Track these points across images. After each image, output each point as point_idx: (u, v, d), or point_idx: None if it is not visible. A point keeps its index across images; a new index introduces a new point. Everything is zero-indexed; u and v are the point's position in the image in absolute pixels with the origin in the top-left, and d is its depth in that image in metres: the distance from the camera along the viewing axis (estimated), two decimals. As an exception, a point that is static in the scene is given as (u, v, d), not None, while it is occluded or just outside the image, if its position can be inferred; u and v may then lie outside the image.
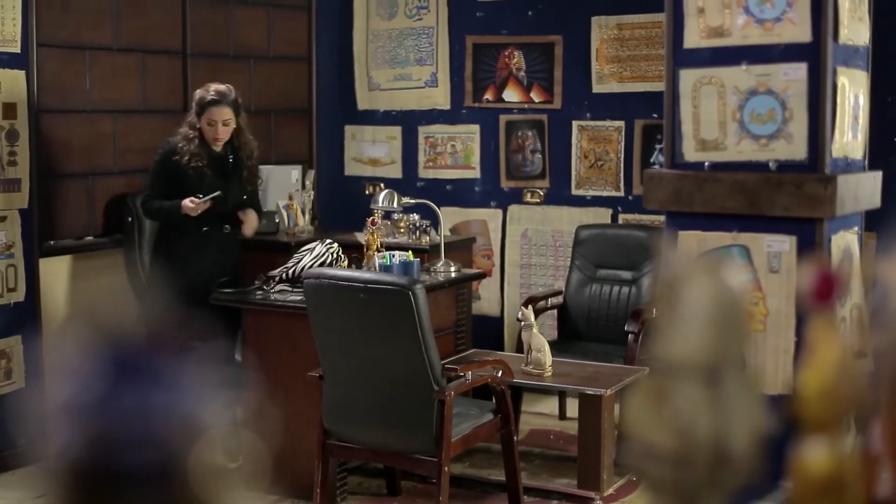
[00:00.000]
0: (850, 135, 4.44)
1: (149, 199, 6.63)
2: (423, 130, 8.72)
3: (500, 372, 5.66)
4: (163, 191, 6.53)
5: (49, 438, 0.89)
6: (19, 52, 6.35)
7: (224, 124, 6.50)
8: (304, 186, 8.35)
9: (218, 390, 0.90)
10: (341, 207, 8.89)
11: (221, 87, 6.55)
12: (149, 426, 0.85)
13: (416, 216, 7.68)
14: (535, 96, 8.26)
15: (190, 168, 6.45)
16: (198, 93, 6.55)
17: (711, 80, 4.43)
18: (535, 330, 6.19)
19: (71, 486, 0.86)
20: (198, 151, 6.47)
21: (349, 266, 6.33)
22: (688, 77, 4.47)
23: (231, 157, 6.65)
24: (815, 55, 4.25)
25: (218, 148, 6.59)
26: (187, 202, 6.38)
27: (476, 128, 8.50)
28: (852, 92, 4.44)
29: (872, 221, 4.77)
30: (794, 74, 4.28)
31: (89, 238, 7.16)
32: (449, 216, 8.30)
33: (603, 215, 8.03)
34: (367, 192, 8.72)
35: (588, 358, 6.64)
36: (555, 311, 7.59)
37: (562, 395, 7.40)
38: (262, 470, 1.00)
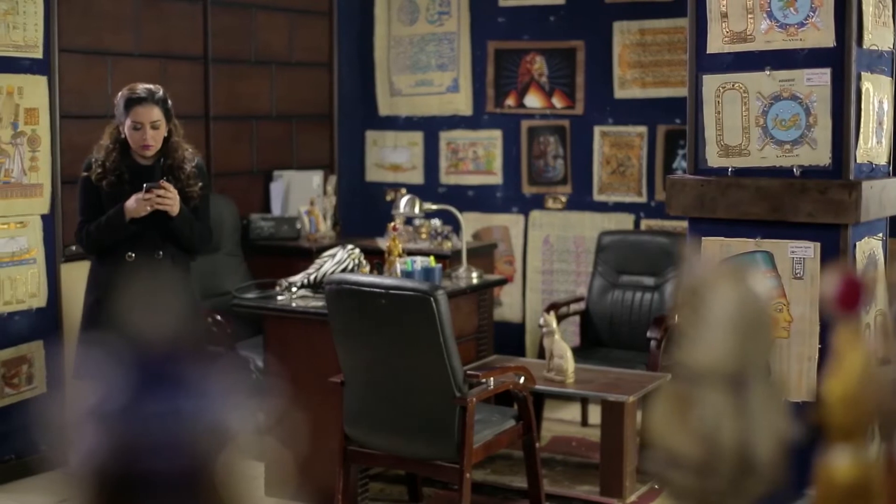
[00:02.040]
0: (874, 140, 4.42)
1: (81, 224, 5.54)
2: (444, 136, 8.71)
3: (522, 378, 5.65)
4: (95, 214, 5.49)
5: (70, 443, 0.89)
6: (41, 57, 6.37)
7: (153, 127, 5.45)
8: (325, 192, 8.36)
9: (242, 397, 0.90)
10: (363, 213, 8.89)
11: (148, 85, 5.58)
12: (173, 432, 0.85)
13: (437, 222, 7.68)
14: (557, 102, 8.25)
15: (106, 186, 5.45)
16: (119, 94, 5.55)
17: (734, 85, 4.41)
18: (557, 336, 6.17)
19: (95, 492, 0.85)
20: (115, 166, 5.45)
21: (371, 272, 6.33)
22: (711, 82, 4.46)
23: (161, 168, 5.54)
24: (838, 60, 4.23)
25: (147, 160, 5.54)
26: (131, 201, 5.38)
27: (498, 133, 8.49)
28: (876, 97, 4.41)
29: (897, 227, 4.75)
30: (818, 80, 4.27)
31: (111, 243, 7.18)
32: (470, 222, 8.30)
33: (625, 221, 8.01)
34: (388, 198, 8.72)
35: (610, 364, 6.62)
36: (577, 318, 7.58)
37: (584, 402, 7.38)
38: (285, 476, 0.99)
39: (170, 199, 5.37)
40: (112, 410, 0.86)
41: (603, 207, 8.11)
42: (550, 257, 8.30)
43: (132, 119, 5.43)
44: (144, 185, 5.34)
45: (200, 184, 5.60)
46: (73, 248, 6.81)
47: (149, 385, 0.87)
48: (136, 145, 5.46)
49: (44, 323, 6.46)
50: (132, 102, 5.45)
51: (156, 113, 5.47)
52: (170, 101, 5.57)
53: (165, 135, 5.52)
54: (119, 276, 5.23)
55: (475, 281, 6.77)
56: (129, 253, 5.45)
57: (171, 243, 5.52)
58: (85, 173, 5.52)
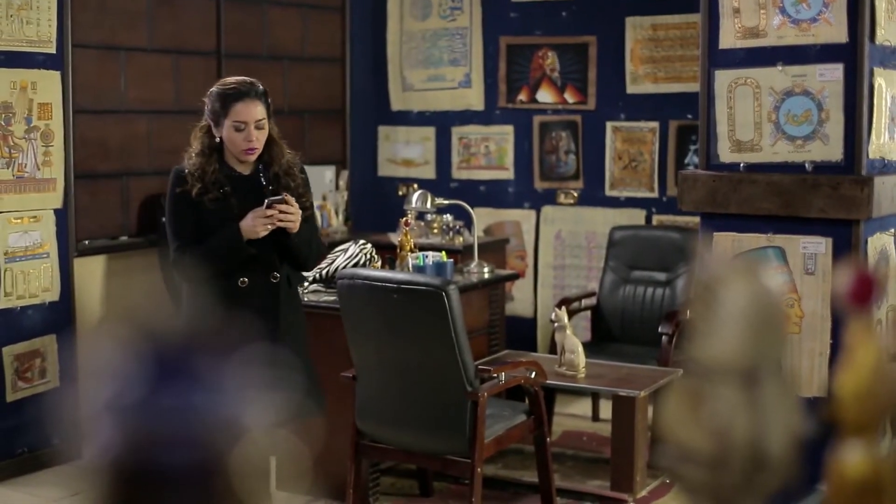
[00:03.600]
0: (886, 136, 4.41)
1: (181, 248, 4.71)
2: (456, 131, 8.71)
3: (534, 373, 5.65)
4: (192, 234, 4.70)
5: (83, 437, 0.89)
6: (55, 52, 6.38)
7: (257, 126, 4.64)
8: (337, 187, 8.36)
9: (255, 391, 0.90)
10: (375, 208, 8.90)
11: (243, 77, 4.81)
12: (187, 426, 0.85)
13: (449, 217, 7.68)
14: (569, 97, 8.24)
15: (209, 203, 4.66)
16: (211, 90, 4.75)
17: (747, 80, 4.41)
18: (568, 331, 6.17)
19: (110, 485, 0.86)
20: (216, 178, 4.66)
21: (382, 267, 6.33)
22: (723, 78, 4.45)
23: (263, 176, 4.76)
24: (851, 56, 4.23)
25: (245, 167, 4.77)
26: (248, 220, 4.60)
27: (510, 128, 8.49)
28: (889, 93, 4.41)
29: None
30: (831, 75, 4.26)
31: (124, 238, 7.19)
32: (482, 217, 8.30)
33: (637, 216, 8.00)
34: (400, 193, 8.72)
35: (622, 359, 6.62)
36: (588, 313, 7.57)
37: (595, 397, 7.38)
38: (300, 470, 1.00)
39: (292, 216, 4.62)
40: (127, 404, 0.86)
41: (615, 203, 8.10)
42: (562, 252, 8.30)
43: (233, 119, 4.61)
44: (266, 200, 4.59)
45: (310, 192, 4.92)
46: (87, 242, 6.83)
47: (164, 379, 0.87)
48: (238, 149, 4.64)
49: (57, 317, 6.48)
50: (232, 98, 4.63)
51: (260, 110, 4.66)
52: (269, 97, 4.79)
53: (267, 130, 4.73)
54: (233, 305, 4.59)
55: (487, 276, 6.77)
56: (242, 278, 4.67)
57: (287, 263, 4.79)
58: (178, 189, 4.69)
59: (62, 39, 6.41)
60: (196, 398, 0.86)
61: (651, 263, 7.34)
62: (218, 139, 4.67)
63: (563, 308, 6.40)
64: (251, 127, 4.61)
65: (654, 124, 7.94)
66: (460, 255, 7.20)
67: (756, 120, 4.39)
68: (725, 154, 4.46)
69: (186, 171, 4.67)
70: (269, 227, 4.58)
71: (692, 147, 7.66)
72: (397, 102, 8.96)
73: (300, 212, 4.65)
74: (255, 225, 4.58)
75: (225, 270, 4.64)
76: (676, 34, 7.80)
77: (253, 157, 4.69)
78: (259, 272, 4.70)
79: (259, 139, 4.65)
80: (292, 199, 4.63)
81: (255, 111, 4.63)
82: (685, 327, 6.21)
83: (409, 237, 6.50)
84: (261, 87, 4.72)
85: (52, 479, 6.20)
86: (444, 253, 6.57)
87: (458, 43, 8.65)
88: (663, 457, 1.09)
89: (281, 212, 4.58)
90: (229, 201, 4.64)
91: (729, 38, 4.44)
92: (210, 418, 0.86)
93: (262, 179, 4.73)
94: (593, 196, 8.18)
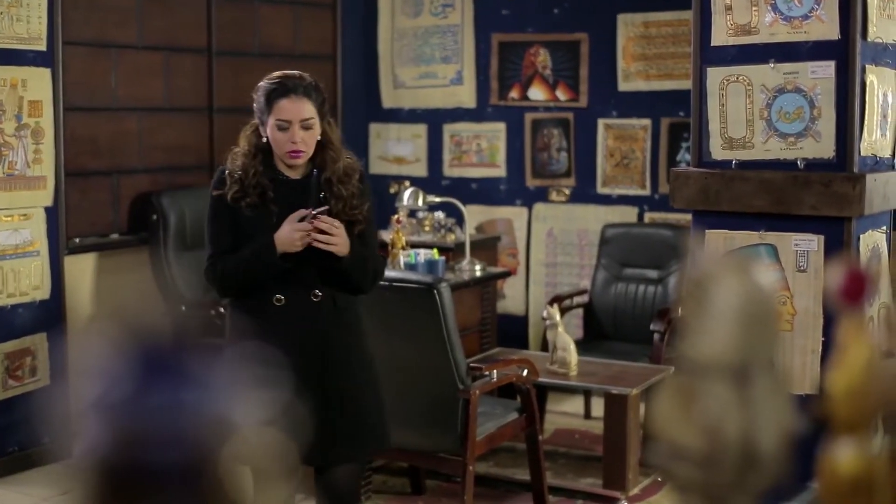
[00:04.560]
0: (878, 133, 4.41)
1: (213, 259, 4.19)
2: (448, 128, 8.71)
3: (526, 371, 5.65)
4: (228, 243, 4.17)
5: (73, 436, 0.89)
6: (45, 50, 6.36)
7: (304, 126, 4.10)
8: (329, 185, 8.35)
9: (245, 389, 0.90)
10: (366, 206, 8.88)
11: (293, 71, 4.28)
12: (176, 425, 0.85)
13: (441, 214, 7.68)
14: (561, 94, 8.24)
15: (246, 208, 4.12)
16: (259, 86, 4.28)
17: (739, 77, 4.41)
18: (560, 329, 6.17)
19: (99, 484, 0.86)
20: (256, 181, 4.12)
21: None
22: (715, 75, 4.45)
23: (313, 182, 4.18)
24: (843, 53, 4.23)
25: (295, 171, 4.21)
26: (284, 230, 4.06)
27: (502, 126, 8.48)
28: (881, 90, 4.41)
29: (901, 220, 4.74)
30: (823, 72, 4.26)
31: (114, 236, 7.18)
32: (474, 214, 8.29)
33: (629, 214, 8.00)
34: (391, 191, 8.72)
35: (613, 357, 6.62)
36: (580, 310, 7.58)
37: (587, 395, 7.38)
38: (290, 468, 0.99)
39: (335, 239, 4.05)
40: (115, 402, 0.86)
41: (607, 200, 8.10)
42: (554, 250, 8.30)
43: (276, 117, 4.12)
44: (310, 212, 4.05)
45: (367, 204, 4.26)
46: (77, 240, 6.82)
47: (153, 377, 0.87)
48: (282, 151, 4.13)
49: (47, 315, 6.46)
50: (275, 94, 4.15)
51: (307, 108, 4.12)
52: (324, 93, 4.26)
53: (319, 137, 4.17)
54: (270, 326, 4.09)
55: (478, 273, 6.77)
56: (278, 295, 4.12)
57: (333, 280, 4.17)
58: (216, 192, 4.18)
59: (53, 37, 6.40)
60: (185, 396, 0.86)
61: (643, 261, 7.35)
62: (264, 139, 4.17)
63: (555, 306, 6.41)
64: (296, 126, 4.08)
65: (646, 122, 7.94)
66: (452, 252, 7.20)
67: (748, 117, 4.39)
68: (717, 151, 4.46)
69: (227, 171, 4.17)
70: (306, 238, 4.03)
71: (684, 144, 7.67)
72: (389, 100, 8.96)
73: (344, 236, 4.07)
74: (292, 237, 4.03)
75: (259, 286, 4.13)
76: (668, 31, 7.80)
77: (299, 160, 4.14)
78: (297, 289, 4.12)
79: (306, 140, 4.10)
80: (335, 222, 4.05)
81: (302, 109, 4.10)
82: (677, 325, 6.22)
83: (400, 235, 6.50)
84: (311, 81, 4.20)
85: (43, 477, 6.19)
86: (435, 250, 6.57)
87: (449, 40, 8.65)
88: (655, 454, 1.09)
89: (321, 231, 4.02)
90: (268, 208, 4.09)
91: (721, 36, 4.44)
92: (199, 416, 0.86)
93: (317, 187, 4.16)
94: (585, 193, 8.18)
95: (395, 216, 6.85)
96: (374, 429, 4.24)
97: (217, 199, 4.16)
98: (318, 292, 4.13)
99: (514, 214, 8.44)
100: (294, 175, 4.19)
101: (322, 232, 4.02)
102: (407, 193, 6.99)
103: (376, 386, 4.33)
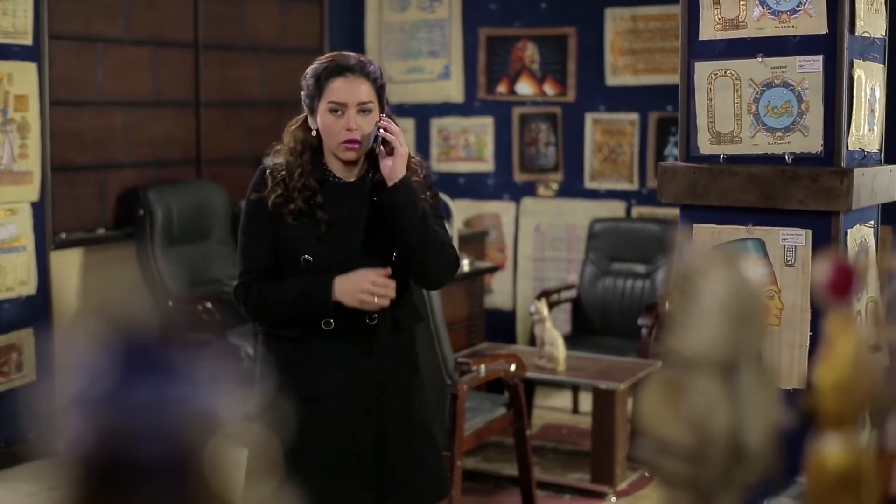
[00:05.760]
0: (866, 127, 4.41)
1: (246, 278, 3.51)
2: (435, 123, 8.70)
3: (513, 366, 5.64)
4: (265, 259, 3.50)
5: (60, 432, 0.88)
6: (31, 44, 6.34)
7: (361, 110, 3.45)
8: (316, 179, 8.34)
9: (231, 385, 0.89)
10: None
11: (348, 52, 3.68)
12: (161, 420, 0.84)
13: (428, 209, 7.66)
14: (549, 89, 8.24)
15: (289, 216, 3.45)
16: (309, 67, 3.64)
17: (726, 72, 4.40)
18: (548, 324, 6.17)
19: (83, 480, 0.85)
20: (303, 183, 3.47)
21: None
22: (703, 69, 4.45)
23: (371, 184, 3.52)
24: (831, 47, 4.22)
25: (350, 170, 3.54)
26: (348, 282, 3.40)
27: (489, 120, 8.48)
28: (869, 84, 4.41)
29: (889, 215, 4.74)
30: (810, 67, 4.26)
31: (101, 231, 7.16)
32: (462, 209, 8.29)
33: (617, 209, 8.01)
34: (379, 185, 8.70)
35: (601, 352, 6.63)
36: (568, 305, 7.58)
37: (575, 390, 7.39)
38: (274, 465, 0.99)
39: (399, 139, 3.43)
40: (99, 397, 0.85)
41: (594, 195, 8.11)
42: (542, 245, 8.30)
43: (329, 99, 3.46)
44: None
45: (429, 192, 3.60)
46: (63, 235, 6.80)
47: (138, 372, 0.86)
48: (335, 141, 3.45)
49: (34, 311, 6.45)
50: (328, 73, 3.50)
51: (365, 90, 3.47)
52: (384, 79, 3.62)
53: (378, 119, 3.49)
54: (313, 357, 3.51)
55: (466, 268, 6.77)
56: (327, 319, 3.46)
57: (400, 286, 3.49)
58: (255, 194, 3.52)
59: (38, 31, 6.38)
60: (170, 391, 0.85)
61: (631, 255, 7.35)
62: (314, 132, 3.53)
63: (543, 300, 6.40)
64: (351, 111, 3.42)
65: (634, 116, 7.94)
66: (440, 247, 7.18)
67: (736, 112, 4.38)
68: (705, 146, 4.46)
69: (268, 170, 3.52)
70: (384, 298, 3.40)
71: (672, 139, 7.67)
72: (376, 94, 8.93)
73: (392, 289, 3.42)
74: (357, 294, 3.37)
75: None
76: (656, 26, 7.80)
77: (355, 154, 3.46)
78: (350, 311, 3.43)
79: (364, 129, 3.43)
80: (389, 283, 3.42)
81: (359, 90, 3.44)
82: (665, 319, 6.22)
83: (388, 229, 6.48)
84: (370, 63, 3.57)
85: (29, 473, 6.17)
86: (423, 245, 6.55)
87: (437, 34, 8.64)
88: (643, 449, 1.08)
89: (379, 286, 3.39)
90: (315, 216, 3.44)
91: (708, 30, 4.43)
92: (184, 412, 0.85)
93: (364, 189, 3.51)
94: (573, 188, 8.18)
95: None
96: (434, 474, 3.72)
97: (255, 204, 3.49)
98: (374, 315, 3.48)
99: (502, 209, 8.44)
100: (348, 176, 3.54)
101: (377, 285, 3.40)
102: (394, 188, 6.97)
103: (433, 424, 3.88)
